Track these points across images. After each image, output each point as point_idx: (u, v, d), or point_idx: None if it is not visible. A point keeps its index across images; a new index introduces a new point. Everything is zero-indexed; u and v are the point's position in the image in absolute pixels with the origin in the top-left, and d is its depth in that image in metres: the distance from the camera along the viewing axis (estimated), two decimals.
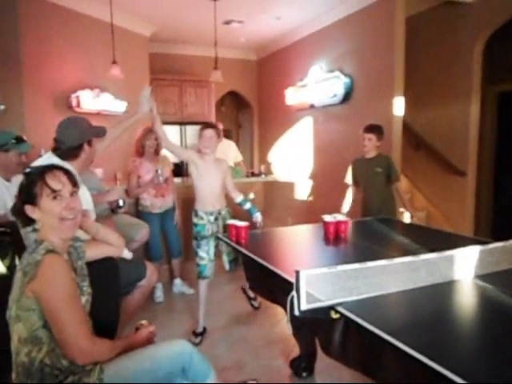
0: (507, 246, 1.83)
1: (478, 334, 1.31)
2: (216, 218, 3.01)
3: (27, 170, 1.57)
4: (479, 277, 1.70)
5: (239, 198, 3.14)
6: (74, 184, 1.52)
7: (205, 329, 3.08)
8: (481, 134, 4.76)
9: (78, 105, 4.46)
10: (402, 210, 3.71)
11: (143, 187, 3.61)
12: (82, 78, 4.64)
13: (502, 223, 5.44)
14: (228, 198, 3.19)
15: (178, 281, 3.97)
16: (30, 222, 1.49)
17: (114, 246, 1.90)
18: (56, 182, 1.45)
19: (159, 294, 3.76)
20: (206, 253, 2.97)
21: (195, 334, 3.02)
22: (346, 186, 3.77)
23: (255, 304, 3.57)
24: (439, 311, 1.45)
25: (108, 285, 1.97)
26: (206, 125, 3.05)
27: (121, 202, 2.93)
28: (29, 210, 1.45)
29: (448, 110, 4.83)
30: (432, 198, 5.15)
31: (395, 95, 4.29)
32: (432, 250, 1.75)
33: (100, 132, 2.39)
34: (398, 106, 4.31)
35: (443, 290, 1.59)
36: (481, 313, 1.50)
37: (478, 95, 4.61)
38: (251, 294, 3.54)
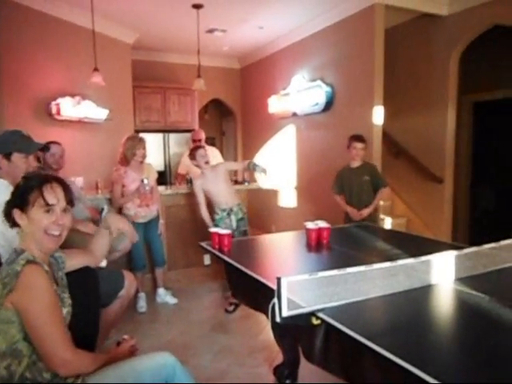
0: (481, 250, 1.89)
1: (456, 337, 1.35)
2: (228, 214, 3.71)
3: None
4: (456, 281, 1.74)
5: (246, 164, 3.86)
6: (69, 201, 1.50)
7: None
8: (457, 142, 4.89)
9: (58, 112, 4.41)
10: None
11: (128, 197, 3.57)
12: (62, 85, 4.60)
13: (478, 228, 5.59)
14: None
15: (161, 290, 3.93)
16: (15, 225, 1.47)
17: (93, 255, 1.89)
18: (52, 196, 1.44)
19: (142, 304, 3.71)
20: None
21: (230, 303, 3.61)
22: (332, 195, 3.85)
23: (230, 309, 3.63)
24: (418, 315, 1.49)
25: (88, 295, 1.94)
26: (197, 147, 3.84)
27: (103, 215, 2.92)
28: (16, 214, 1.44)
29: (426, 118, 4.95)
30: (411, 205, 5.26)
31: (375, 104, 4.38)
32: (410, 256, 1.79)
33: (25, 148, 2.18)
34: (378, 115, 4.40)
35: (421, 295, 1.63)
36: (458, 316, 1.54)
37: (454, 105, 4.73)
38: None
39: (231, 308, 3.61)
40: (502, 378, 1.06)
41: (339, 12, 4.74)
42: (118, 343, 1.62)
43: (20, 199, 1.44)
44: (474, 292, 1.63)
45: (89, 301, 1.96)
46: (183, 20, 5.01)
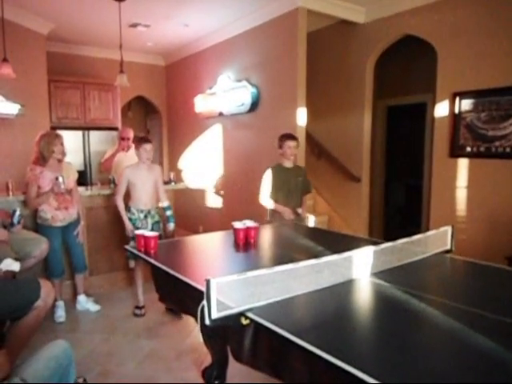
0: (396, 245, 2.03)
1: (376, 329, 1.43)
2: (146, 216, 3.61)
3: None
4: (374, 274, 1.86)
5: (165, 203, 3.70)
6: None
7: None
8: (372, 143, 5.21)
9: None
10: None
11: (43, 197, 3.31)
12: None
13: (391, 224, 6.03)
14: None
15: (82, 297, 3.71)
16: None
17: None
18: None
19: (61, 314, 3.47)
20: None
21: (138, 308, 3.61)
22: (261, 198, 3.62)
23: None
24: (341, 309, 1.57)
25: None
26: (146, 139, 3.63)
27: (16, 219, 2.69)
28: None
29: (344, 121, 5.21)
30: (332, 203, 5.51)
31: (298, 106, 4.52)
32: (333, 252, 1.88)
33: None
34: (301, 117, 4.55)
35: (344, 289, 1.71)
36: (377, 308, 1.65)
37: (370, 108, 5.03)
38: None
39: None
40: (417, 365, 1.15)
41: (264, 14, 4.82)
42: None
43: None
44: (390, 284, 1.75)
45: None
46: (104, 12, 4.78)
